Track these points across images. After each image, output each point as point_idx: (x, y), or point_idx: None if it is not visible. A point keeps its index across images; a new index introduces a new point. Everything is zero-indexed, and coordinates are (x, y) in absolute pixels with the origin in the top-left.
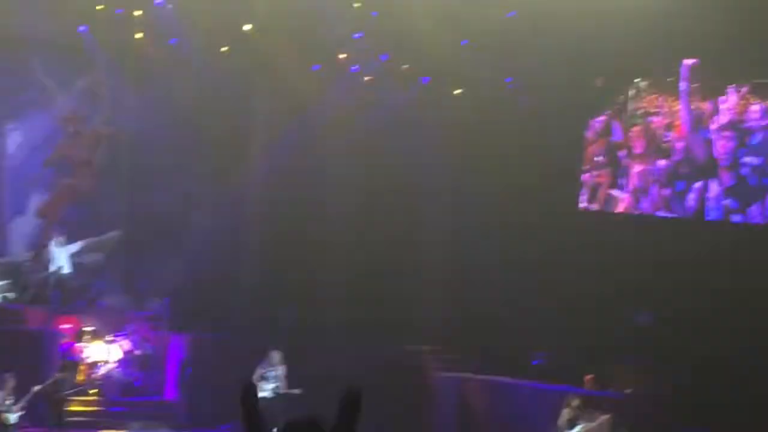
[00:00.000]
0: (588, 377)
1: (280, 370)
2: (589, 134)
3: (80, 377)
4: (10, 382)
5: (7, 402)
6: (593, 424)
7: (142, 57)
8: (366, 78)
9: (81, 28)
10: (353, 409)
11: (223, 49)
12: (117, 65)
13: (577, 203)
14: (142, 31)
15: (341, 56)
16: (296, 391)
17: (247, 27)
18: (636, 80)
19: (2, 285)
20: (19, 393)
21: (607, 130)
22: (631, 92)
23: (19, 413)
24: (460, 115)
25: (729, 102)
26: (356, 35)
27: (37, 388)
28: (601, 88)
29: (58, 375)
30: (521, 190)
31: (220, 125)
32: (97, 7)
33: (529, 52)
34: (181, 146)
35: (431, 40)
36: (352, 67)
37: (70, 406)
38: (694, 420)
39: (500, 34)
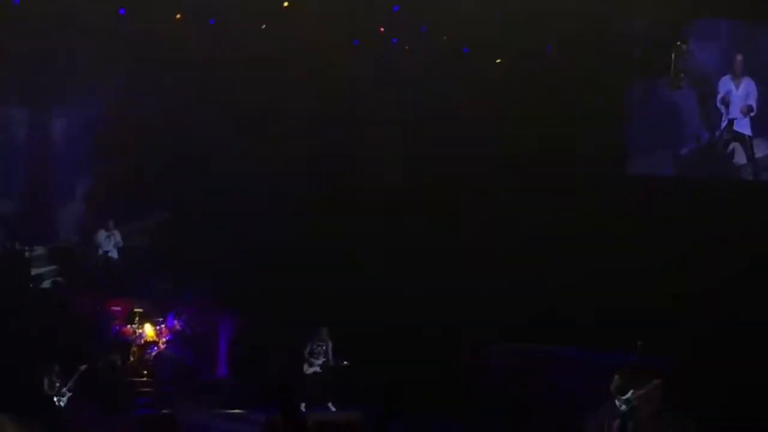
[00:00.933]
0: (639, 343)
1: (328, 345)
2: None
3: (132, 359)
4: (56, 367)
5: (57, 385)
6: (645, 390)
7: (182, 38)
8: (406, 48)
9: (121, 11)
10: (388, 401)
11: (262, 26)
12: (157, 47)
13: (623, 168)
14: (180, 12)
15: (380, 29)
16: (344, 363)
17: (285, 3)
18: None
19: (52, 270)
20: (67, 376)
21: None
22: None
23: (68, 395)
24: (501, 85)
25: None
26: (395, 7)
27: (83, 367)
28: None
29: (109, 358)
30: (564, 157)
31: (260, 104)
32: None
33: (567, 19)
34: (222, 127)
35: (470, 9)
36: (392, 40)
37: (123, 389)
38: (744, 383)
39: (538, 2)
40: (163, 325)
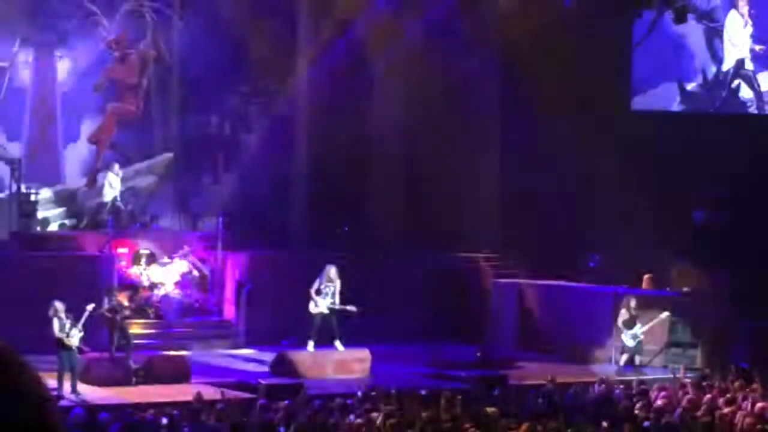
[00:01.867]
0: (646, 277)
1: (337, 285)
2: None
3: (138, 300)
4: (60, 307)
5: (67, 325)
6: (652, 323)
7: None
8: None
9: None
10: None
11: None
12: None
13: (630, 104)
14: None
15: None
16: (352, 308)
17: None
18: None
19: (59, 212)
20: (73, 316)
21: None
22: None
23: (81, 334)
24: (505, 21)
25: None
26: None
27: (91, 306)
28: None
29: (116, 298)
30: (571, 90)
31: (267, 45)
32: None
33: None
34: (228, 66)
35: None
36: None
37: (130, 329)
38: (751, 315)
39: None
40: (169, 266)
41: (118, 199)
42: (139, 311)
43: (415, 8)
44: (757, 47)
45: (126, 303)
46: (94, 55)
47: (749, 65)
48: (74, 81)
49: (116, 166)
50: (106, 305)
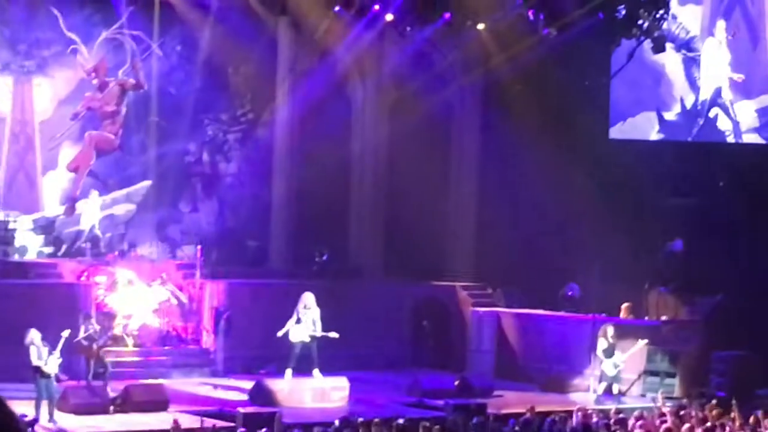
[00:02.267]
0: (624, 306)
1: (315, 312)
2: None
3: (116, 328)
4: (36, 336)
5: (45, 353)
6: (630, 352)
7: (166, 6)
8: (388, 17)
9: None
10: None
11: None
12: (141, 15)
13: (608, 133)
14: None
15: None
16: (333, 334)
17: None
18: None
19: (37, 240)
20: (51, 344)
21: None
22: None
23: (59, 361)
24: (485, 50)
25: None
26: None
27: (66, 332)
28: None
29: (93, 327)
30: (549, 120)
31: (246, 72)
32: None
33: None
34: (207, 94)
35: None
36: (373, 7)
37: (107, 358)
38: (728, 344)
39: None
40: (148, 294)
41: (96, 227)
42: (117, 339)
43: (395, 37)
44: (735, 76)
45: (103, 332)
46: (73, 83)
47: (727, 94)
48: (53, 109)
49: (95, 194)
50: (82, 333)
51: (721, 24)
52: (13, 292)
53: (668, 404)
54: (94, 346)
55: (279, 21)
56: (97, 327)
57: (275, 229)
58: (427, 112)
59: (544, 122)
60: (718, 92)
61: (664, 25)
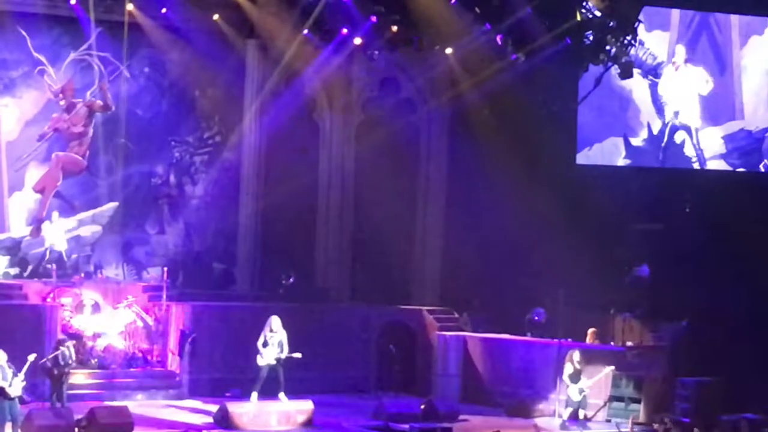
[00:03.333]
0: (590, 331)
1: (282, 336)
2: None
3: (81, 350)
4: (2, 356)
5: (9, 375)
6: (596, 378)
7: (134, 28)
8: (356, 41)
9: (71, 1)
10: None
11: (215, 17)
12: (109, 36)
13: (574, 157)
14: (132, 1)
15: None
16: (297, 355)
17: None
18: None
19: (2, 261)
20: (16, 366)
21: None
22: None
23: (23, 384)
24: (452, 74)
25: None
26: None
27: (32, 356)
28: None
29: (58, 349)
30: (516, 145)
31: (213, 94)
32: None
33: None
34: (174, 117)
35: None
36: (341, 30)
37: (71, 380)
38: (693, 370)
39: None
40: (113, 316)
41: (62, 247)
42: (83, 361)
43: (362, 61)
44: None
45: (68, 354)
46: (40, 104)
47: (687, 120)
48: (20, 130)
49: (59, 215)
50: (50, 356)
51: (680, 49)
52: None
53: (636, 430)
54: (56, 372)
55: (247, 44)
56: (73, 353)
57: (241, 251)
58: (395, 135)
59: (511, 147)
60: (681, 118)
61: (632, 51)
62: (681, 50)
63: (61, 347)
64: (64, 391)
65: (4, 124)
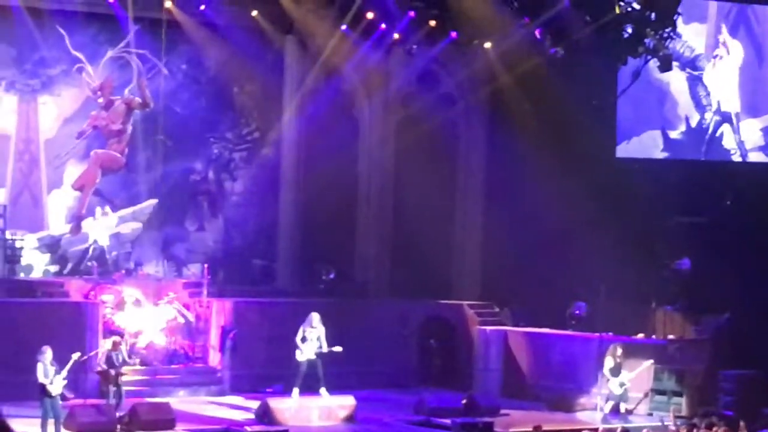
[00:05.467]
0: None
1: (321, 331)
2: None
3: (124, 347)
4: (48, 354)
5: (51, 372)
6: (637, 371)
7: (172, 25)
8: (395, 36)
9: None
10: None
11: (253, 13)
12: (147, 34)
13: (614, 151)
14: None
15: (369, 15)
16: (338, 348)
17: None
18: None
19: (43, 258)
20: (59, 363)
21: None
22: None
23: (64, 382)
24: (491, 69)
25: None
26: None
27: (76, 355)
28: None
29: (104, 348)
30: (556, 139)
31: (251, 90)
32: None
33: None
34: (213, 113)
35: None
36: (379, 26)
37: (119, 378)
38: (734, 363)
39: None
40: (154, 313)
41: (102, 244)
42: (125, 359)
43: (402, 56)
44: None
45: (113, 351)
46: (78, 102)
47: (730, 110)
48: (58, 127)
49: (99, 211)
50: (93, 354)
51: (723, 41)
52: (21, 310)
53: (678, 423)
54: (112, 373)
55: (286, 40)
56: (108, 347)
57: (282, 247)
58: (434, 130)
59: (550, 141)
60: (722, 110)
61: (670, 44)
62: (723, 41)
63: (106, 345)
64: (122, 390)
65: (43, 121)
